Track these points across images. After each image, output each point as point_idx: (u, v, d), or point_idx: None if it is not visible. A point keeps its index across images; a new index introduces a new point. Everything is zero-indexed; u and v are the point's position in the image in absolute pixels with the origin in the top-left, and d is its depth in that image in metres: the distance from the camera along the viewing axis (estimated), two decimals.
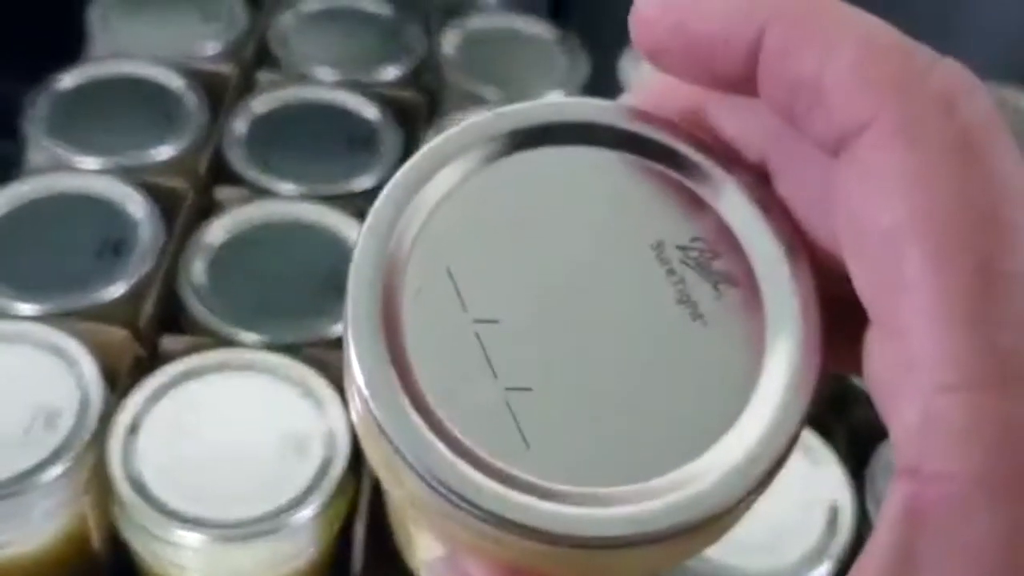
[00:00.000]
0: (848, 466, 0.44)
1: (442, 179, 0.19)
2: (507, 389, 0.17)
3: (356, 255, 0.18)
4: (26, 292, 0.44)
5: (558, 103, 0.20)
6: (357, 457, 0.40)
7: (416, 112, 0.57)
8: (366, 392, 0.17)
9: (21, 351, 0.41)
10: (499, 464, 0.17)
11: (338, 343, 0.44)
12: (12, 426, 0.39)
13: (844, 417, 0.46)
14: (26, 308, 0.43)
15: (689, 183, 0.19)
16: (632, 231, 0.19)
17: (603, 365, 0.17)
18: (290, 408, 0.41)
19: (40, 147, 0.50)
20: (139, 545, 0.39)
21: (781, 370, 0.17)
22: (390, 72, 0.59)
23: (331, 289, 0.46)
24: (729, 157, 0.19)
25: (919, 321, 0.15)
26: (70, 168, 0.49)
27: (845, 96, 0.16)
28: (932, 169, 0.15)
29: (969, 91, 0.15)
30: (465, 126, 0.19)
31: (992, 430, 0.14)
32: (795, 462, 0.46)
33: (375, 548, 0.41)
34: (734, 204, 0.19)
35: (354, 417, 0.18)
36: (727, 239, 0.19)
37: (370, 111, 0.55)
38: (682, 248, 0.18)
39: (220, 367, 0.42)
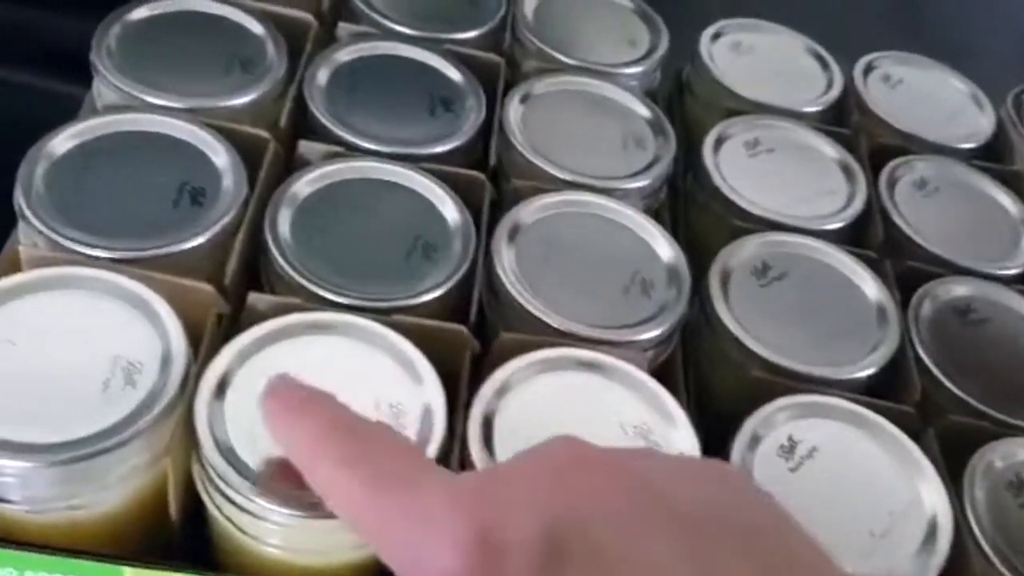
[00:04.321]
0: (942, 472, 0.42)
1: None
2: None
3: None
4: (99, 235, 0.41)
5: None
6: (451, 433, 0.38)
7: (494, 73, 0.55)
8: None
9: (96, 298, 0.39)
10: None
11: (427, 308, 0.42)
12: (90, 379, 0.36)
13: (934, 423, 0.45)
14: (99, 253, 0.40)
15: None
16: None
17: None
18: (384, 376, 0.39)
19: (108, 83, 0.47)
20: (220, 512, 0.36)
21: None
22: (469, 32, 0.56)
23: (416, 251, 0.44)
24: None
25: None
26: (145, 107, 0.46)
27: None
28: None
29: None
30: None
31: None
32: (889, 469, 0.44)
33: None
34: None
35: None
36: None
37: (452, 71, 0.53)
38: None
39: (311, 329, 0.39)
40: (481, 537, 0.24)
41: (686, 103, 0.63)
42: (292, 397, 0.29)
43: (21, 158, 0.43)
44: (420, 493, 0.25)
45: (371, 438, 0.27)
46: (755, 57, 0.63)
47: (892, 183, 0.56)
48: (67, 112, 0.51)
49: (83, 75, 0.49)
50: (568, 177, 0.50)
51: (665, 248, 0.47)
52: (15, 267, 0.42)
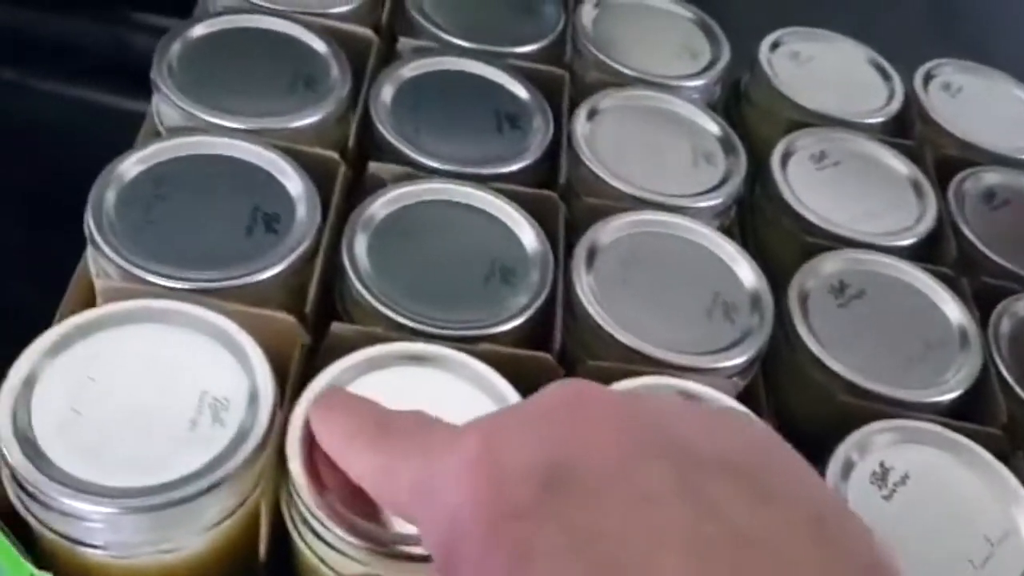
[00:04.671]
0: None
1: None
2: None
3: None
4: (175, 265, 0.39)
5: None
6: None
7: (558, 87, 0.53)
8: None
9: (177, 332, 0.37)
10: None
11: (509, 336, 0.41)
12: (177, 417, 0.35)
13: (1023, 446, 0.44)
14: (178, 284, 0.39)
15: None
16: None
17: None
18: (474, 408, 0.37)
19: (170, 102, 0.46)
20: (310, 550, 0.35)
21: None
22: (530, 45, 0.55)
23: (494, 276, 0.43)
24: None
25: None
26: (211, 128, 0.45)
27: None
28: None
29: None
30: None
31: None
32: (984, 495, 0.42)
33: None
34: None
35: None
36: None
37: (517, 86, 0.52)
38: None
39: (400, 360, 0.38)
40: (485, 470, 0.25)
41: (744, 112, 0.61)
42: (332, 399, 0.33)
43: (60, 167, 0.42)
44: (434, 447, 0.27)
45: (399, 424, 0.29)
46: (815, 67, 0.62)
47: (960, 196, 0.55)
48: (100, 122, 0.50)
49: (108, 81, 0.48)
50: (639, 195, 0.49)
51: (747, 272, 0.46)
52: (87, 294, 0.41)
